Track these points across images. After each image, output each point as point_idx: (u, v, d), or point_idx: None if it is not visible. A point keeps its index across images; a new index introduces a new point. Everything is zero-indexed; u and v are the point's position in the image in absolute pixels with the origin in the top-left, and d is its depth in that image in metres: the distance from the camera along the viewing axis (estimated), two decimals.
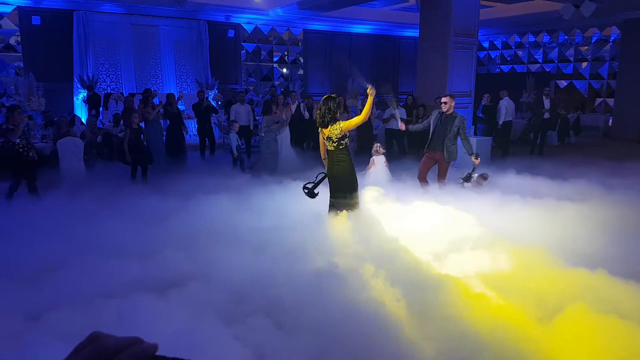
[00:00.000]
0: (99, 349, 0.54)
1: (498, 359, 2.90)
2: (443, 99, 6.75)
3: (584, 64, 17.94)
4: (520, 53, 19.75)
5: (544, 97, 11.80)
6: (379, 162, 7.94)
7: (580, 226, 5.15)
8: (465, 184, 6.90)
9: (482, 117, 12.22)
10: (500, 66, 20.45)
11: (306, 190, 5.61)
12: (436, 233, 4.98)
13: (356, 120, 5.32)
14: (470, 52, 11.21)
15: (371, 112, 5.80)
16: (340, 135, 5.28)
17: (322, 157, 5.61)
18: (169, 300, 3.53)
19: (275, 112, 9.37)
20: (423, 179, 6.91)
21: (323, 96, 5.45)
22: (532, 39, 19.25)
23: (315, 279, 3.74)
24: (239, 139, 9.13)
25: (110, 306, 3.32)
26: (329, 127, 5.26)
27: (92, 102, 12.99)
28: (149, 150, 8.54)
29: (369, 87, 5.27)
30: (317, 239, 4.80)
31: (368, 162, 8.15)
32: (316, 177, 5.70)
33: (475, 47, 11.44)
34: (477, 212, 5.50)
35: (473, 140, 7.81)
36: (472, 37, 11.14)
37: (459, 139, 6.67)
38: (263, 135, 9.22)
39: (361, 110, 5.40)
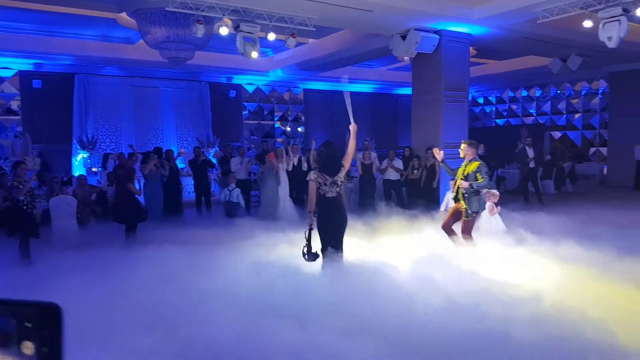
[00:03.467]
0: None
1: None
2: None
3: (577, 115, 18.25)
4: (514, 107, 20.16)
5: (526, 147, 11.99)
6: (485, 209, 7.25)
7: None
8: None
9: None
10: (496, 120, 20.82)
11: (306, 256, 5.11)
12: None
13: (350, 157, 5.38)
14: (462, 105, 11.41)
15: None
16: (343, 178, 5.25)
17: (310, 210, 5.16)
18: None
19: (269, 161, 10.12)
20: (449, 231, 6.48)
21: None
22: (524, 93, 19.71)
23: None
24: (230, 194, 9.47)
25: None
26: (339, 172, 5.19)
27: None
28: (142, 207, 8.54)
29: (353, 123, 5.39)
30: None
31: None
32: (305, 237, 5.13)
33: (467, 100, 11.66)
34: None
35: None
36: (463, 90, 11.38)
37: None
38: (259, 183, 9.76)
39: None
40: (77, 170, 13.72)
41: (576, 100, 18.29)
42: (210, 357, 3.43)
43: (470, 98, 21.06)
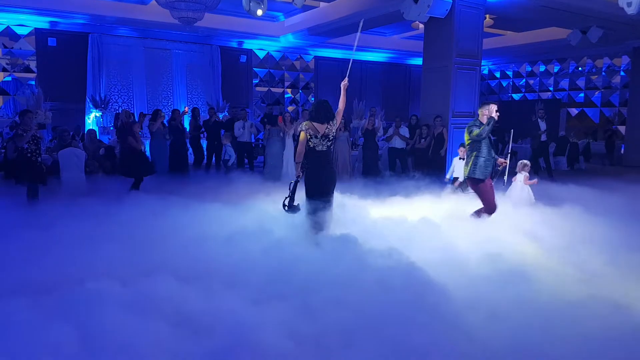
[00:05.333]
0: None
1: None
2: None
3: (596, 92, 17.80)
4: (531, 82, 19.72)
5: (539, 119, 11.71)
6: (519, 179, 7.30)
7: None
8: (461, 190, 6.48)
9: None
10: (512, 95, 20.43)
11: (286, 208, 4.99)
12: None
13: (340, 112, 5.17)
14: (473, 73, 11.18)
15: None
16: (335, 132, 5.03)
17: (298, 161, 5.03)
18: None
19: (279, 125, 10.26)
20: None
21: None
22: (542, 67, 19.25)
23: None
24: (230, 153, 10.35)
25: None
26: (329, 123, 4.95)
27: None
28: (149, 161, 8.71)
29: (345, 79, 5.22)
30: None
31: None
32: (289, 189, 5.00)
33: (479, 69, 11.42)
34: None
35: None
36: (475, 58, 11.14)
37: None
38: (265, 143, 9.99)
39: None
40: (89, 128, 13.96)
41: (596, 76, 17.82)
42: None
43: (486, 71, 20.73)
